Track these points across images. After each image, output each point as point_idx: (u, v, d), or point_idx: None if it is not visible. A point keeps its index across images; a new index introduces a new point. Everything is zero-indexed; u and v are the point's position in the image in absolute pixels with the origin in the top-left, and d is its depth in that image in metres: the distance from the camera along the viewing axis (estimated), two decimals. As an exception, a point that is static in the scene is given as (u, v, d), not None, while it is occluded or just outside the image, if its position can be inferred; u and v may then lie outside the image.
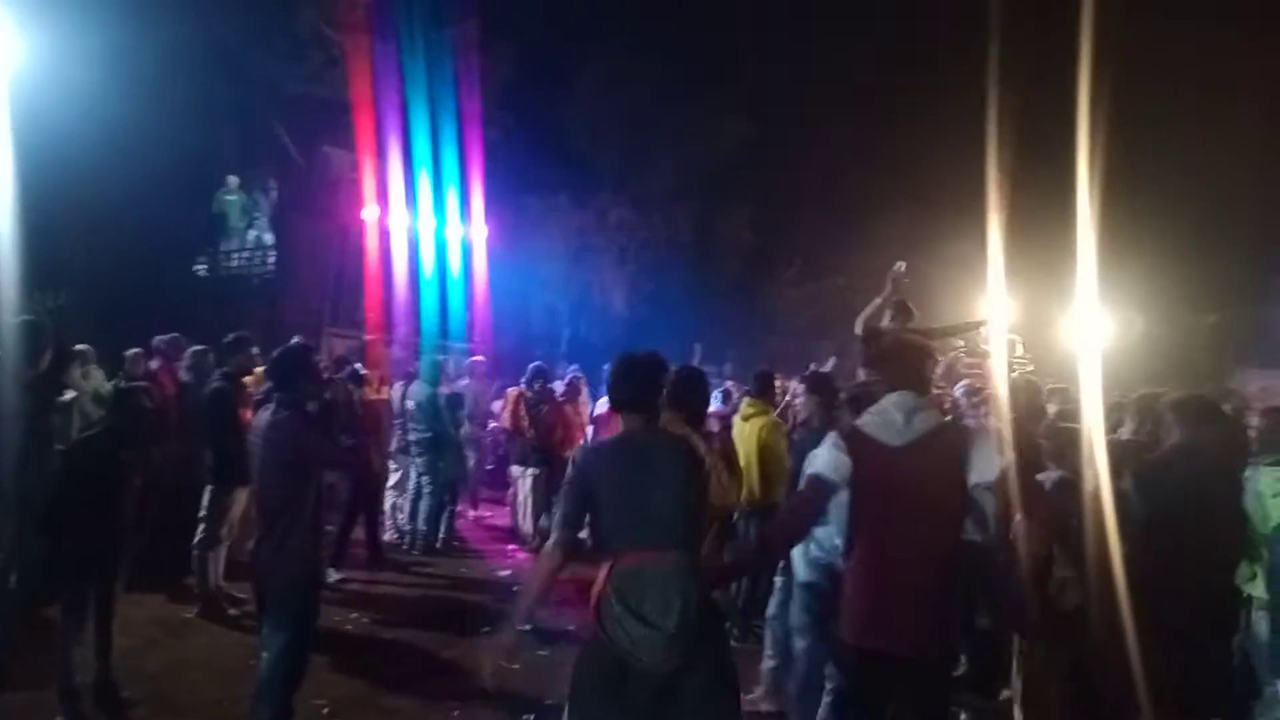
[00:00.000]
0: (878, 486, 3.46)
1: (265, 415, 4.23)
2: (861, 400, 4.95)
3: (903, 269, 7.32)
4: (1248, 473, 4.59)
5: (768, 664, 5.25)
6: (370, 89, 14.46)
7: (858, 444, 3.56)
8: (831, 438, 3.76)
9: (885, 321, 8.11)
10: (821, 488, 3.56)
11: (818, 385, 5.89)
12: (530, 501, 8.67)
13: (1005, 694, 4.91)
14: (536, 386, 8.79)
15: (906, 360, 3.76)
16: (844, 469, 3.57)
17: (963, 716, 5.14)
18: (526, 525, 8.74)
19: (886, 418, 3.63)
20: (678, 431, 4.50)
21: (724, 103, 19.11)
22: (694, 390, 4.95)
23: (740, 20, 18.86)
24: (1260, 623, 4.46)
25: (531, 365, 9.15)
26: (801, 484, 3.91)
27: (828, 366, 10.94)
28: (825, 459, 3.62)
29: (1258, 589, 4.47)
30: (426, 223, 15.21)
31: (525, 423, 8.64)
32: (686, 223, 19.91)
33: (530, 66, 17.79)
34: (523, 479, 8.80)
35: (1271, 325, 16.38)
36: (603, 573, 3.33)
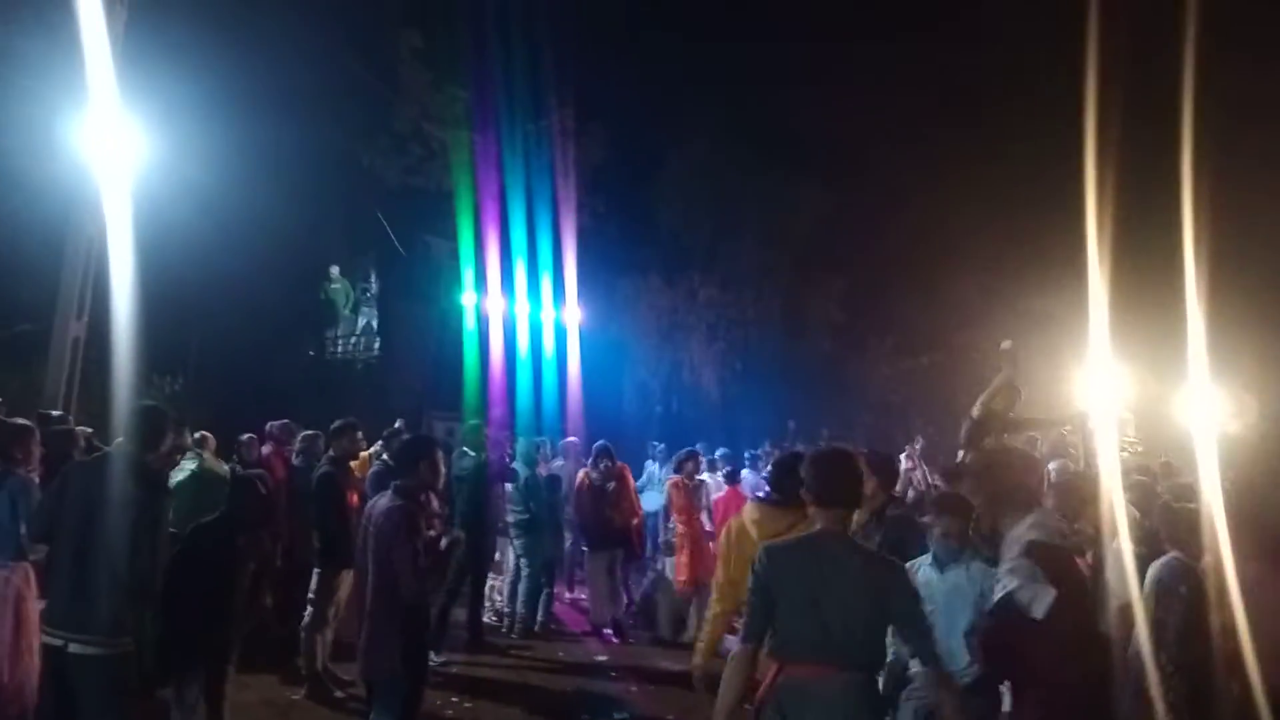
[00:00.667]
0: None
1: (382, 502, 4.36)
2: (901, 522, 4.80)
3: (1009, 346, 7.20)
4: None
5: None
6: (468, 179, 15.06)
7: None
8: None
9: (998, 403, 7.92)
10: None
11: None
12: (599, 585, 8.59)
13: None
14: (603, 466, 8.59)
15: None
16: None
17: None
18: (599, 612, 8.64)
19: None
20: (778, 525, 4.39)
21: (810, 178, 19.24)
22: (792, 475, 4.87)
23: (824, 92, 19.05)
24: None
25: (596, 445, 8.90)
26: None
27: (918, 445, 10.71)
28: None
29: None
30: (522, 307, 15.62)
31: (587, 507, 8.57)
32: (775, 299, 19.94)
33: (619, 150, 18.23)
34: (590, 562, 8.79)
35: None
36: (769, 677, 3.15)
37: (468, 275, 14.90)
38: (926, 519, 4.69)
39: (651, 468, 12.93)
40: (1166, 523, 4.33)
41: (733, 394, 19.00)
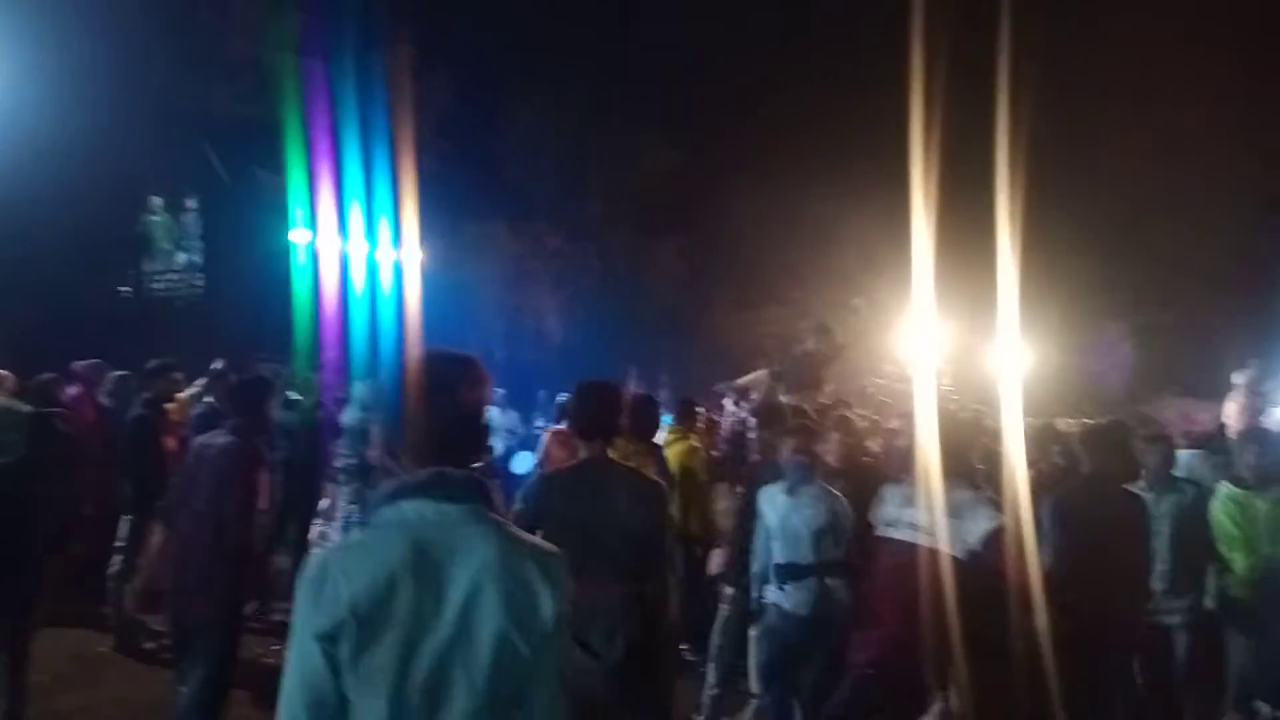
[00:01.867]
0: None
1: (219, 440, 4.17)
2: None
3: (858, 304, 7.56)
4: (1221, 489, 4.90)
5: (710, 692, 5.27)
6: (302, 112, 14.31)
7: None
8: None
9: (810, 344, 8.39)
10: None
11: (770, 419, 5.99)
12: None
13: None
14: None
15: None
16: None
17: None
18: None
19: None
20: (640, 460, 4.55)
21: (657, 131, 19.38)
22: (649, 416, 5.04)
23: (674, 51, 19.12)
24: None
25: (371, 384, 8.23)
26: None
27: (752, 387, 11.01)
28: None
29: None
30: (359, 247, 15.06)
31: None
32: (620, 250, 20.07)
33: (468, 95, 17.84)
34: None
35: (1188, 355, 17.05)
36: None
37: (299, 213, 14.22)
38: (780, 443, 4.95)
39: (491, 413, 12.85)
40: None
41: (576, 342, 19.08)
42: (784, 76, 18.60)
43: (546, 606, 1.79)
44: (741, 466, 6.56)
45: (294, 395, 7.82)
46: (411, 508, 1.77)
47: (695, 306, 20.65)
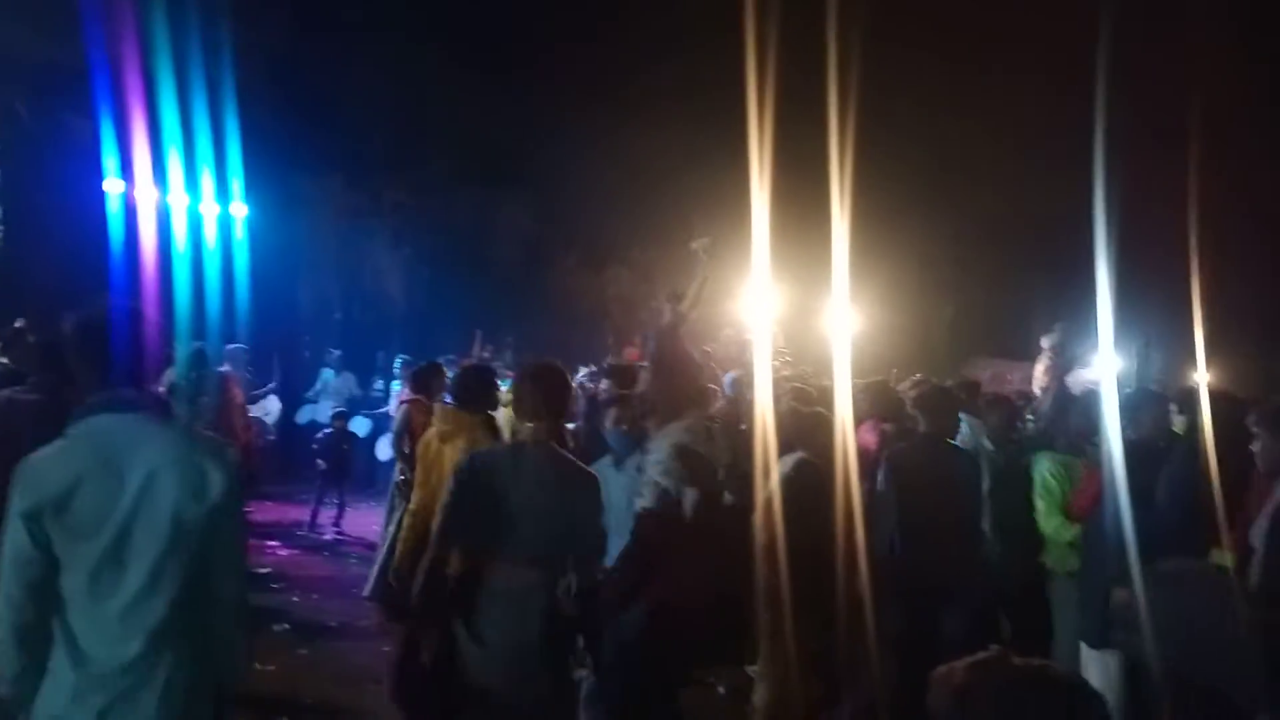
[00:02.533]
0: None
1: (26, 396, 4.01)
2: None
3: (706, 243, 7.60)
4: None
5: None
6: (114, 54, 13.23)
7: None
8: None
9: (668, 314, 8.43)
10: None
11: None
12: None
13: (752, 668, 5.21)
14: (192, 376, 7.41)
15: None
16: None
17: (720, 689, 5.41)
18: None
19: None
20: (473, 431, 4.50)
21: (504, 87, 18.96)
22: (481, 386, 5.00)
23: (521, 2, 18.74)
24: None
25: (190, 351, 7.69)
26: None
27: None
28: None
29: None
30: (179, 200, 14.13)
31: None
32: (465, 207, 19.62)
33: (300, 40, 16.89)
34: None
35: (1002, 316, 18.23)
36: (461, 575, 3.28)
37: (113, 162, 13.20)
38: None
39: (327, 375, 12.41)
40: (794, 425, 4.81)
41: (419, 302, 18.60)
42: (629, 36, 18.55)
43: (217, 484, 2.39)
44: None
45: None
46: (96, 420, 2.37)
47: (542, 267, 20.49)
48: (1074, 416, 5.53)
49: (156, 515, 2.30)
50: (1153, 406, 4.89)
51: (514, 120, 19.05)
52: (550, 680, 3.26)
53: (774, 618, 4.09)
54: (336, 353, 13.21)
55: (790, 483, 4.14)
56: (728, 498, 4.85)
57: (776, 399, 5.46)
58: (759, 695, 4.98)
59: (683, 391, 4.94)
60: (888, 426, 5.83)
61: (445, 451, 4.74)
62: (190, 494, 2.34)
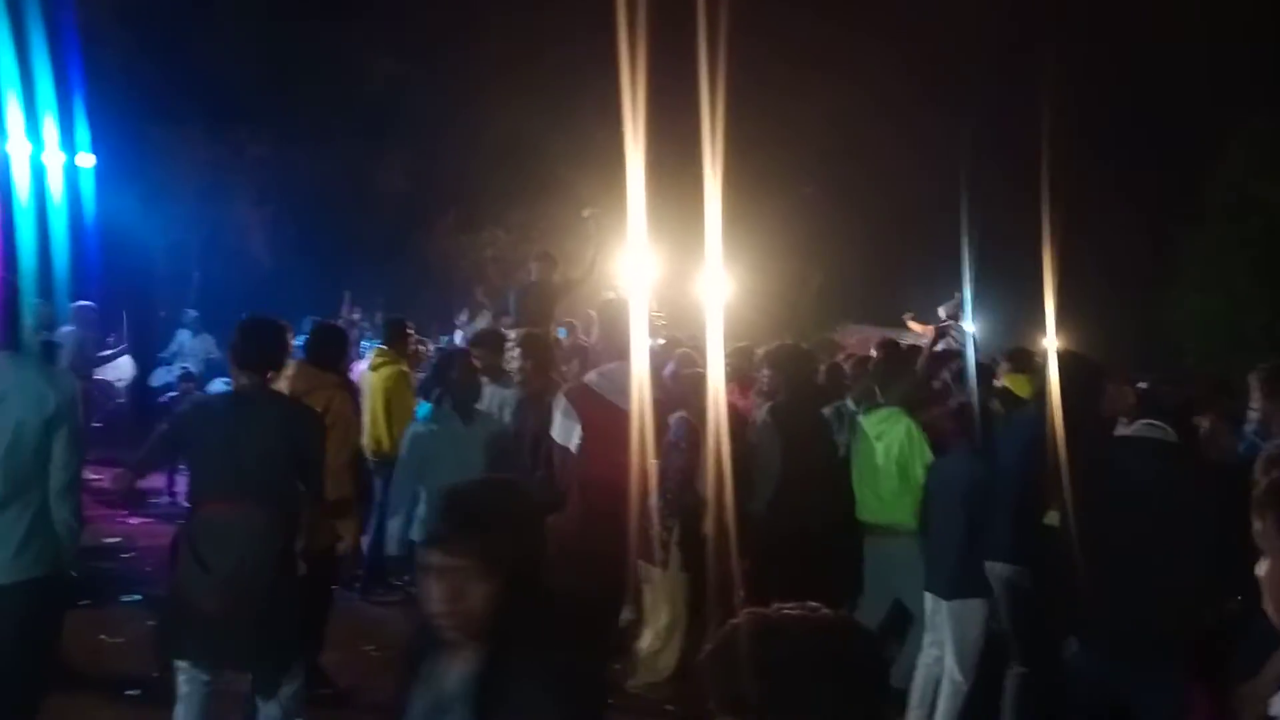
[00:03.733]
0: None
1: None
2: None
3: (597, 213, 7.59)
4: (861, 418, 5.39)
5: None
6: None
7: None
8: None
9: (534, 274, 8.44)
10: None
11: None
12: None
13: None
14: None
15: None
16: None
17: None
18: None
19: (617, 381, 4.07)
20: (327, 389, 4.53)
21: (378, 39, 18.30)
22: (332, 343, 5.01)
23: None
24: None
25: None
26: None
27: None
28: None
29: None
30: (20, 148, 13.13)
31: None
32: (335, 163, 18.91)
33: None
34: None
35: (869, 283, 18.86)
36: (189, 515, 3.60)
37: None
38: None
39: (183, 336, 11.87)
40: (676, 386, 4.89)
41: (286, 262, 17.86)
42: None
43: (50, 401, 3.30)
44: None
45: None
46: None
47: (417, 227, 19.99)
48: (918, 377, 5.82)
49: (4, 423, 3.23)
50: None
51: (387, 73, 18.44)
52: (269, 606, 3.49)
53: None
54: (193, 313, 12.63)
55: (669, 442, 4.26)
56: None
57: (659, 362, 5.56)
58: (643, 640, 5.10)
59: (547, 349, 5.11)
60: (757, 386, 6.03)
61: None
62: (31, 409, 3.26)
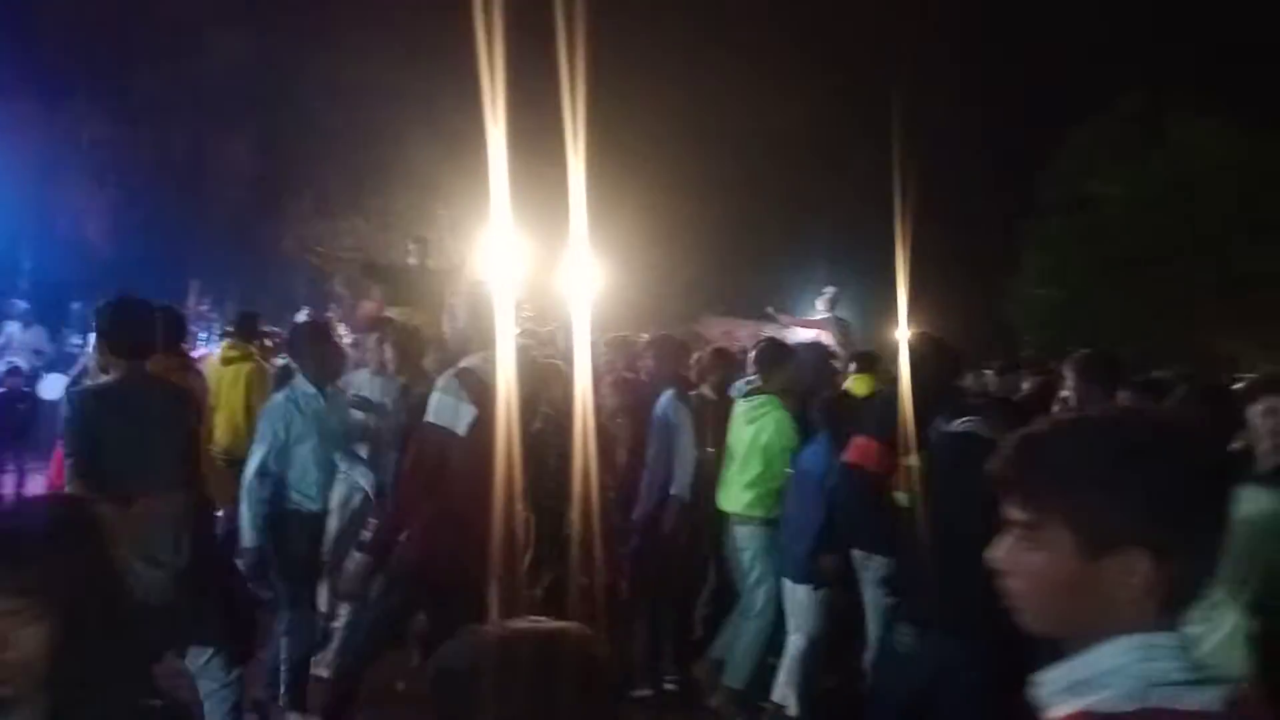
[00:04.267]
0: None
1: None
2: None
3: (444, 214, 7.52)
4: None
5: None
6: None
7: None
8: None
9: (412, 258, 8.29)
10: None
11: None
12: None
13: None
14: None
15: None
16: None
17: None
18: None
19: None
20: (176, 375, 4.38)
21: (227, 13, 17.43)
22: (177, 328, 4.95)
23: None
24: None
25: None
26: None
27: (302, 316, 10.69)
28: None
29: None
30: None
31: None
32: (181, 144, 17.96)
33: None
34: None
35: (735, 277, 19.22)
36: (112, 517, 3.28)
37: None
38: None
39: (12, 329, 11.06)
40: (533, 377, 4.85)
41: (128, 249, 16.85)
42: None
43: None
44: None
45: None
46: None
47: (270, 213, 19.18)
48: (793, 370, 5.95)
49: None
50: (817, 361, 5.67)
51: (237, 52, 17.57)
52: (196, 596, 3.53)
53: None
54: (23, 304, 11.75)
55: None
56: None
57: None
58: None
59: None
60: (629, 375, 6.08)
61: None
62: None
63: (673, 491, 5.26)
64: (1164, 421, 1.31)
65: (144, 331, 3.75)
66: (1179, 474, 1.18)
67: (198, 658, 3.69)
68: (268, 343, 7.67)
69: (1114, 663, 1.17)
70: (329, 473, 4.67)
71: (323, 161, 18.49)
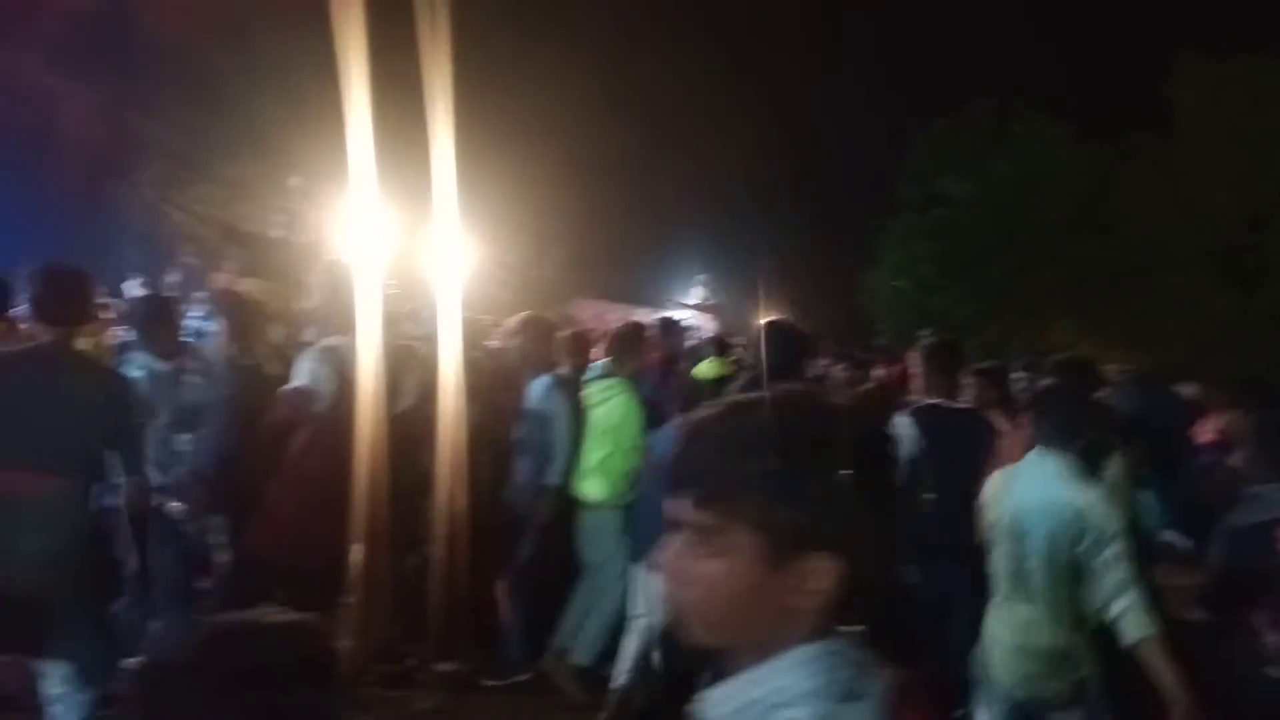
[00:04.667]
0: None
1: None
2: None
3: (295, 183, 7.24)
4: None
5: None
6: None
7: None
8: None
9: (282, 231, 7.97)
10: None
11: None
12: None
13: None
14: None
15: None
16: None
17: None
18: None
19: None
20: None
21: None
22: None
23: None
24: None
25: None
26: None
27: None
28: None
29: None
30: None
31: None
32: (18, 106, 16.64)
33: None
34: None
35: (607, 260, 19.27)
36: None
37: None
38: None
39: None
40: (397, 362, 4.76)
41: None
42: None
43: None
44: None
45: None
46: None
47: (114, 178, 18.01)
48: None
49: None
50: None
51: (77, 4, 16.37)
52: (74, 586, 3.29)
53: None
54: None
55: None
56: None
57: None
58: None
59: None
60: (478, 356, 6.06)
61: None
62: None
63: (546, 481, 5.20)
64: (843, 410, 1.20)
65: (69, 299, 3.51)
66: (861, 470, 1.09)
67: (50, 666, 3.35)
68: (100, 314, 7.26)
69: (801, 680, 1.06)
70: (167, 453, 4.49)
71: (173, 127, 17.48)
